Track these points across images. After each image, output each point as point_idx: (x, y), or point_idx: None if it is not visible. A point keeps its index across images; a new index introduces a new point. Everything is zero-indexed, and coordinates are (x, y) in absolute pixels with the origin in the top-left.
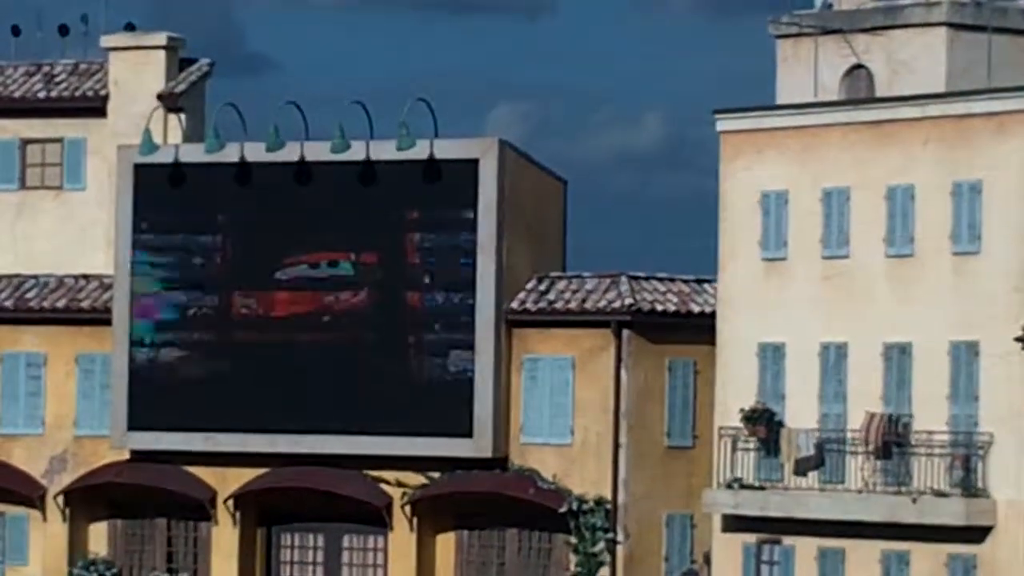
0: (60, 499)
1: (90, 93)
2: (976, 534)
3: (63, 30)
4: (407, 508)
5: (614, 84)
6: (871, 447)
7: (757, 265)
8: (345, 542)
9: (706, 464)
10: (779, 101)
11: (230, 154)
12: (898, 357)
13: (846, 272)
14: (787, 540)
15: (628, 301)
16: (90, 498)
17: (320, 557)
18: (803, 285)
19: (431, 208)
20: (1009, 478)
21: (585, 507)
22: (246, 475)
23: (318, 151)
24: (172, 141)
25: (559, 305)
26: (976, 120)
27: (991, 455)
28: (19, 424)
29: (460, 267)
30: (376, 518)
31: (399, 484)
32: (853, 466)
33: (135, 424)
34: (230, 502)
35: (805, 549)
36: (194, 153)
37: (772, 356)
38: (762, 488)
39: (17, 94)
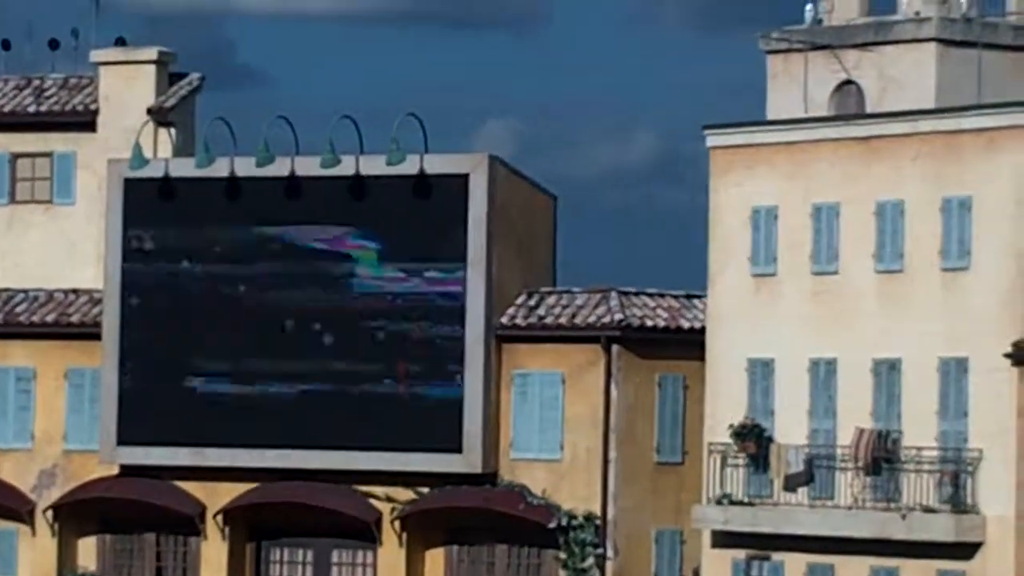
0: (49, 514)
1: (80, 107)
2: (965, 550)
3: (53, 44)
4: (396, 523)
5: (604, 99)
6: (860, 463)
7: (747, 281)
8: (334, 557)
9: (696, 480)
10: (769, 117)
11: (220, 168)
12: (887, 373)
13: (836, 288)
14: (776, 556)
15: (618, 316)
16: (79, 513)
17: (309, 572)
18: (793, 301)
19: (421, 223)
20: (998, 494)
21: (575, 523)
22: (235, 490)
23: (308, 166)
24: (162, 155)
25: (549, 320)
26: (966, 136)
27: (980, 471)
28: (8, 438)
29: (450, 282)
30: (365, 533)
31: (388, 499)
32: (843, 482)
33: (124, 439)
34: (219, 517)
35: (794, 565)
36: (184, 167)
37: (762, 372)
38: (751, 504)
39: (7, 108)
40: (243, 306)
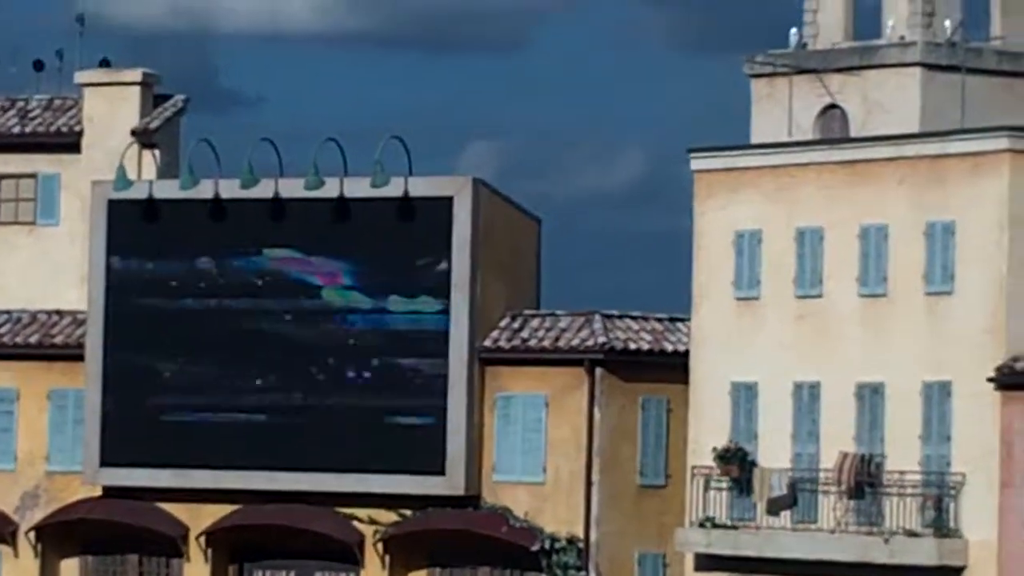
0: (32, 535)
1: (64, 129)
2: (948, 574)
3: (38, 65)
4: (379, 545)
5: (589, 123)
6: (844, 487)
7: (730, 304)
8: None
9: (679, 503)
10: (753, 140)
11: (204, 190)
12: (871, 397)
13: (819, 312)
14: None
15: (601, 339)
16: (62, 534)
17: None
18: (776, 324)
19: (405, 246)
20: (981, 518)
21: (558, 545)
22: (218, 512)
23: (292, 188)
24: (146, 177)
25: (532, 343)
26: (950, 160)
27: (963, 495)
28: None
29: (434, 305)
30: (348, 555)
31: (371, 521)
32: (825, 506)
33: (107, 460)
34: (202, 539)
35: None
36: (168, 189)
37: (745, 395)
38: (734, 527)
39: None
40: (228, 328)
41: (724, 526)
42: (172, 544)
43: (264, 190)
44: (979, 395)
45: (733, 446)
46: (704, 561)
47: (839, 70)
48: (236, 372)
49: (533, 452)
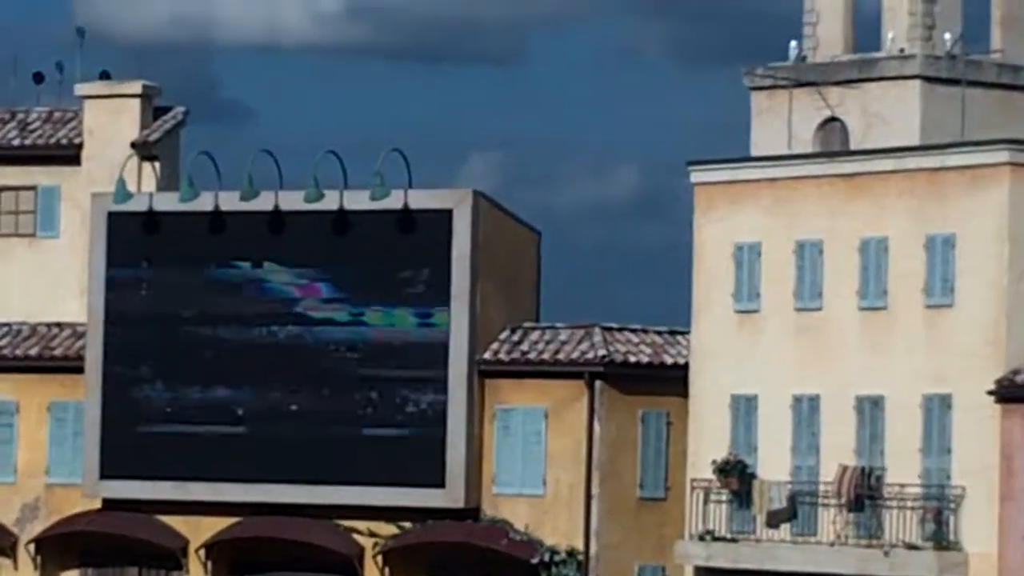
0: (32, 547)
1: (64, 141)
2: None
3: (38, 78)
4: (379, 558)
5: (588, 135)
6: (843, 500)
7: (730, 317)
8: None
9: (678, 515)
10: (753, 153)
11: (204, 203)
12: (871, 410)
13: (819, 324)
14: None
15: (601, 352)
16: (62, 546)
17: None
18: (776, 337)
19: (405, 258)
20: (981, 531)
21: (557, 558)
22: (218, 524)
23: (292, 200)
24: (146, 189)
25: (532, 356)
26: (950, 173)
27: (963, 508)
28: None
29: (434, 317)
30: (348, 568)
31: (371, 534)
32: (825, 519)
33: (107, 472)
34: (202, 551)
35: None
36: (168, 201)
37: (745, 408)
38: (734, 540)
39: None
40: (227, 341)
41: (724, 539)
42: (172, 556)
43: (264, 202)
44: (979, 408)
45: (733, 459)
46: (704, 574)
47: (839, 83)
48: (237, 385)
49: (533, 465)
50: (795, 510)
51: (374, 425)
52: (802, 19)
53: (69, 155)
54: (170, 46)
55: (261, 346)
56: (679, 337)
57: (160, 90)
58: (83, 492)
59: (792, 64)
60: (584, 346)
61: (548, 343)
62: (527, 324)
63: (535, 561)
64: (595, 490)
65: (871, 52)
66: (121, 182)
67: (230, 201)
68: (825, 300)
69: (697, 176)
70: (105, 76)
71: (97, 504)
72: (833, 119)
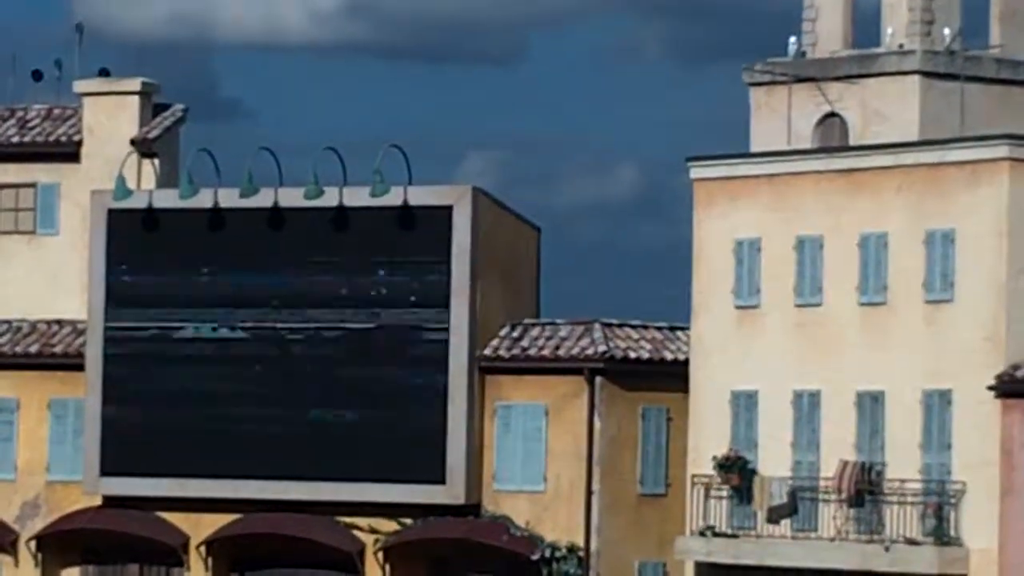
0: (32, 544)
1: (64, 138)
2: None
3: (37, 75)
4: (379, 554)
5: (588, 132)
6: (844, 495)
7: (730, 313)
8: None
9: (679, 512)
10: (753, 149)
11: (204, 200)
12: (871, 405)
13: (819, 320)
14: None
15: (601, 348)
16: (62, 544)
17: None
18: (776, 333)
19: (405, 255)
20: (982, 527)
21: (558, 554)
22: (219, 521)
23: (292, 197)
24: (146, 186)
25: (532, 352)
26: (949, 168)
27: (964, 504)
28: None
29: (434, 314)
30: (348, 564)
31: (372, 530)
32: (826, 514)
33: (108, 470)
34: (202, 548)
35: None
36: (168, 199)
37: (745, 404)
38: (735, 536)
39: None
40: (226, 339)
41: (724, 535)
42: (172, 553)
43: (264, 199)
44: (979, 403)
45: (733, 454)
46: (704, 570)
47: (838, 78)
48: (236, 381)
49: (533, 461)
50: (796, 506)
51: (374, 421)
52: (801, 15)
53: (68, 152)
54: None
55: (261, 343)
56: (679, 333)
57: (159, 87)
58: (83, 489)
59: (791, 60)
60: (584, 342)
61: (548, 339)
62: (527, 320)
63: (536, 557)
64: (595, 486)
65: (870, 48)
66: (121, 179)
67: (230, 198)
68: (825, 296)
69: (697, 172)
70: (104, 73)
71: (98, 501)
72: (832, 115)
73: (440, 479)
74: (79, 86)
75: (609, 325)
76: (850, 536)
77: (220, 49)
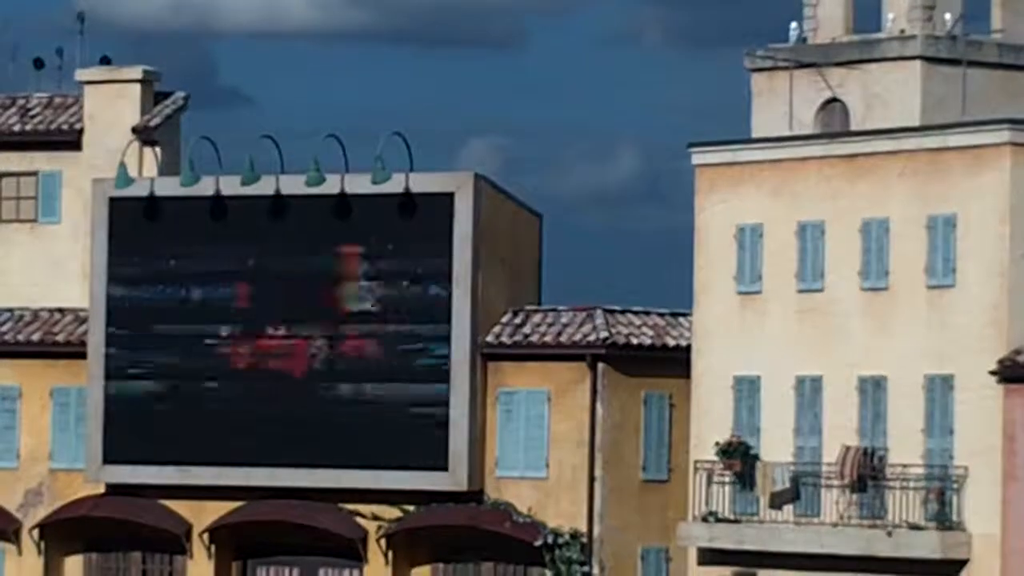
0: (35, 532)
1: (65, 126)
2: (951, 567)
3: (38, 63)
4: (383, 541)
5: (589, 118)
6: (846, 480)
7: (732, 299)
8: (321, 575)
9: (681, 497)
10: (754, 135)
11: (205, 187)
12: (873, 391)
13: (821, 306)
14: (762, 573)
15: (603, 334)
16: (65, 532)
17: None
18: (778, 319)
19: (406, 241)
20: (984, 512)
21: (561, 540)
22: (222, 508)
23: (293, 184)
24: (147, 174)
25: (534, 338)
26: (951, 154)
27: (966, 489)
28: None
29: (436, 300)
30: (352, 551)
31: (375, 517)
32: (828, 499)
33: (110, 457)
34: (205, 535)
35: None
36: (169, 186)
37: (747, 390)
38: (737, 521)
39: None
40: (229, 324)
41: (727, 520)
42: (176, 541)
43: (265, 187)
44: (981, 388)
45: (735, 440)
46: (707, 555)
47: (839, 64)
48: (239, 368)
49: (536, 447)
50: (798, 491)
51: (377, 408)
52: (802, 0)
53: (70, 141)
54: (170, 31)
55: (262, 330)
56: (681, 319)
57: (161, 75)
58: (86, 477)
59: (792, 46)
60: (586, 328)
61: (550, 326)
62: (529, 307)
63: (538, 544)
64: (598, 472)
65: (872, 33)
66: (122, 167)
67: (231, 185)
68: (827, 281)
69: (698, 158)
70: (105, 61)
71: (100, 489)
72: (834, 100)
73: (443, 466)
74: (80, 74)
75: (611, 311)
76: (852, 521)
77: (221, 37)
